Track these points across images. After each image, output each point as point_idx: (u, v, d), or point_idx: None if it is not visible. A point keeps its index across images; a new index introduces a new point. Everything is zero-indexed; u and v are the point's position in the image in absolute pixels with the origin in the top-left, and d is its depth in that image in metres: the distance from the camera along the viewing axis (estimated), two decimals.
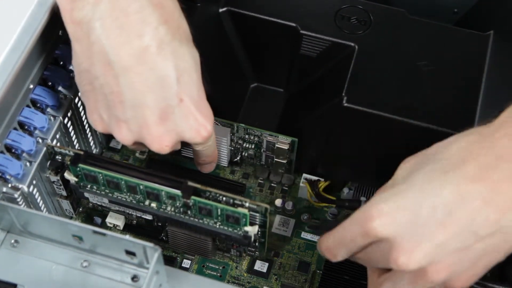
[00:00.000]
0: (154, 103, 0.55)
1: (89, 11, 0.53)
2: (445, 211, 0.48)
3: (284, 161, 0.71)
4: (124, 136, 0.57)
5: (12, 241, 0.56)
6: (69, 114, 0.65)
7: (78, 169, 0.61)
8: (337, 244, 0.53)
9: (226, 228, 0.62)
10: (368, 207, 0.50)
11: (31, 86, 0.60)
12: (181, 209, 0.61)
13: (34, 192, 0.61)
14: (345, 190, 0.73)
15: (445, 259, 0.49)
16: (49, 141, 0.62)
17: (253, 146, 0.71)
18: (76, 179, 0.62)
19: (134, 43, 0.53)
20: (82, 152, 0.60)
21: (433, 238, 0.48)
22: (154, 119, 0.55)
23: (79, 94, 0.59)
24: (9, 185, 0.59)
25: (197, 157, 0.65)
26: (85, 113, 0.67)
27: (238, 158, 0.73)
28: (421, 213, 0.49)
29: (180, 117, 0.56)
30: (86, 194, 0.64)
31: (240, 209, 0.58)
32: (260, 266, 0.69)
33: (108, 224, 0.69)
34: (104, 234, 0.52)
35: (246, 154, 0.72)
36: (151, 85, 0.54)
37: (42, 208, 0.64)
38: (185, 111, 0.56)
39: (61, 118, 0.63)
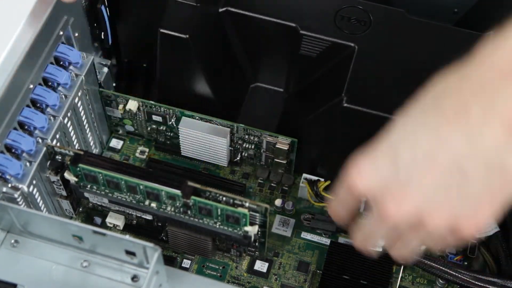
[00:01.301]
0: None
1: None
2: (427, 156, 0.46)
3: (284, 161, 0.71)
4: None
5: (12, 241, 0.56)
6: (69, 114, 0.65)
7: (78, 169, 0.61)
8: (337, 206, 0.52)
9: (226, 228, 0.62)
10: (349, 168, 0.49)
11: (31, 86, 0.60)
12: (181, 209, 0.61)
13: (34, 192, 0.61)
14: None
15: (440, 204, 0.46)
16: (49, 141, 0.62)
17: (253, 147, 0.71)
18: (76, 179, 0.62)
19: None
20: (82, 152, 0.60)
21: (419, 184, 0.46)
22: None
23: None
24: (9, 185, 0.59)
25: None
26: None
27: (238, 158, 0.73)
28: (403, 162, 0.46)
29: None
30: (86, 194, 0.64)
31: (240, 209, 0.58)
32: (260, 266, 0.69)
33: (108, 224, 0.69)
34: (104, 234, 0.52)
35: (246, 154, 0.72)
36: None
37: (42, 208, 0.64)
38: None
39: (61, 118, 0.63)
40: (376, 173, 0.48)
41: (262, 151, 0.71)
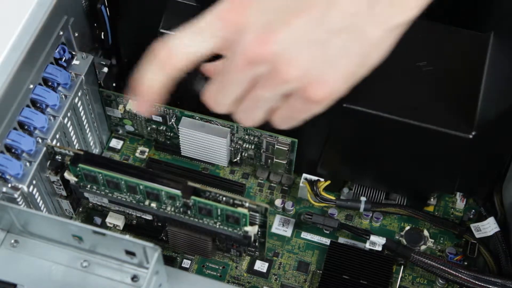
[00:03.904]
0: None
1: None
2: (299, 1, 0.47)
3: (284, 162, 0.71)
4: None
5: (12, 241, 0.56)
6: (69, 114, 0.65)
7: (78, 169, 0.61)
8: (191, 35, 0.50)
9: (226, 228, 0.62)
10: (221, 2, 0.49)
11: (31, 86, 0.60)
12: (181, 209, 0.61)
13: (34, 192, 0.61)
14: (345, 190, 0.73)
15: (299, 53, 0.48)
16: (49, 141, 0.62)
17: (252, 147, 0.71)
18: (76, 179, 0.62)
19: None
20: (82, 152, 0.60)
21: (286, 23, 0.47)
22: None
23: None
24: (9, 185, 0.59)
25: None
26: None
27: (238, 158, 0.73)
28: (274, 3, 0.48)
29: None
30: (86, 194, 0.64)
31: (240, 209, 0.58)
32: (260, 266, 0.69)
33: (108, 224, 0.69)
34: (104, 234, 0.52)
35: (246, 154, 0.72)
36: None
37: (42, 208, 0.64)
38: None
39: (61, 118, 0.63)
40: (247, 9, 0.48)
41: (262, 151, 0.71)
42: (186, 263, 0.69)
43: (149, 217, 0.66)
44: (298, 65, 0.48)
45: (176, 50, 0.50)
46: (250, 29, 0.48)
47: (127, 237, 0.52)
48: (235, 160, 0.74)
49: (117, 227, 0.69)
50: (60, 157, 0.63)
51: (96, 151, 0.74)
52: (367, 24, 0.48)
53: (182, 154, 0.74)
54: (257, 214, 0.59)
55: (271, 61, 0.48)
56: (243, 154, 0.72)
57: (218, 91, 0.51)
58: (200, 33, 0.50)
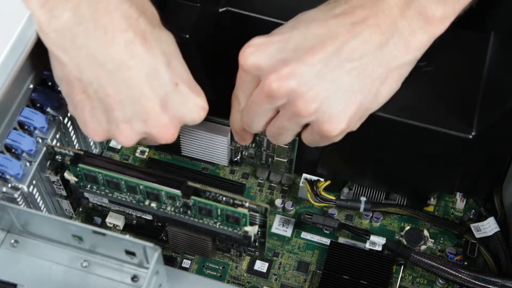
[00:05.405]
0: (152, 93, 0.55)
1: (70, 18, 0.52)
2: (314, 40, 0.52)
3: (285, 160, 0.71)
4: (127, 137, 0.57)
5: (12, 241, 0.56)
6: (69, 114, 0.65)
7: (78, 169, 0.61)
8: (237, 90, 0.59)
9: (226, 228, 0.62)
10: (244, 47, 0.55)
11: (31, 86, 0.60)
12: (181, 209, 0.61)
13: (34, 192, 0.61)
14: (345, 190, 0.73)
15: (315, 88, 0.53)
16: (49, 141, 0.62)
17: (253, 145, 0.71)
18: (76, 179, 0.62)
19: (121, 39, 0.53)
20: (82, 152, 0.60)
21: (302, 60, 0.52)
22: (156, 109, 0.55)
23: (69, 110, 0.58)
24: (9, 185, 0.59)
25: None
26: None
27: (238, 157, 0.73)
28: (291, 43, 0.53)
29: (179, 102, 0.57)
30: (86, 194, 0.64)
31: (240, 209, 0.58)
32: (260, 266, 0.69)
33: (108, 224, 0.69)
34: (104, 234, 0.52)
35: (246, 153, 0.72)
36: (146, 76, 0.54)
37: (42, 208, 0.64)
38: (182, 95, 0.57)
39: (61, 118, 0.63)
40: (266, 48, 0.54)
41: (262, 149, 0.71)
42: (186, 263, 0.69)
43: (149, 217, 0.66)
44: (314, 100, 0.53)
45: (235, 100, 0.60)
46: (270, 67, 0.53)
47: (127, 237, 0.52)
48: (236, 159, 0.74)
49: (117, 227, 0.69)
50: (60, 157, 0.63)
51: (96, 151, 0.74)
52: (376, 62, 0.53)
53: (182, 154, 0.74)
54: (257, 214, 0.59)
55: (288, 96, 0.53)
56: (244, 153, 0.72)
57: (248, 120, 0.58)
58: (241, 89, 0.58)
